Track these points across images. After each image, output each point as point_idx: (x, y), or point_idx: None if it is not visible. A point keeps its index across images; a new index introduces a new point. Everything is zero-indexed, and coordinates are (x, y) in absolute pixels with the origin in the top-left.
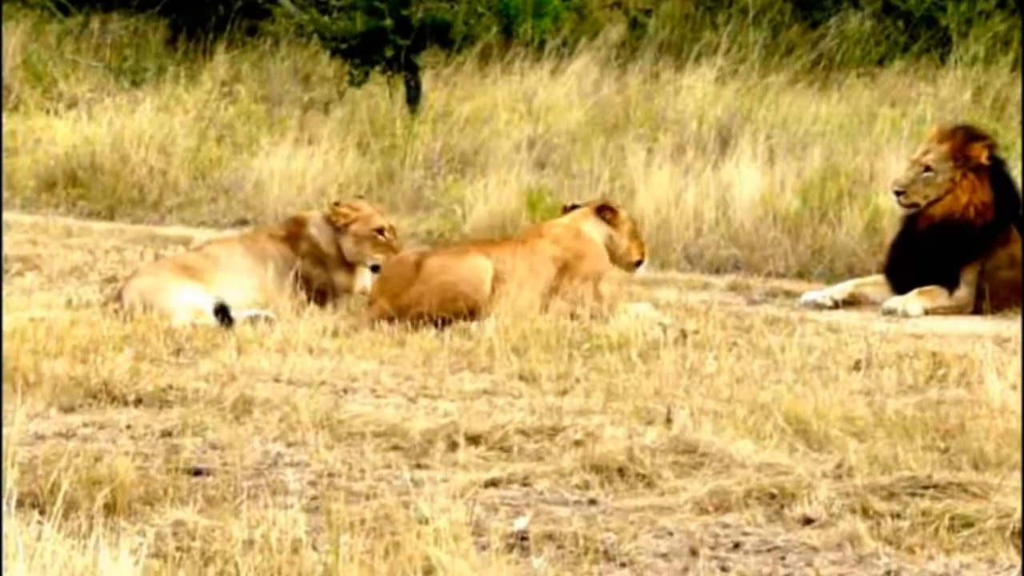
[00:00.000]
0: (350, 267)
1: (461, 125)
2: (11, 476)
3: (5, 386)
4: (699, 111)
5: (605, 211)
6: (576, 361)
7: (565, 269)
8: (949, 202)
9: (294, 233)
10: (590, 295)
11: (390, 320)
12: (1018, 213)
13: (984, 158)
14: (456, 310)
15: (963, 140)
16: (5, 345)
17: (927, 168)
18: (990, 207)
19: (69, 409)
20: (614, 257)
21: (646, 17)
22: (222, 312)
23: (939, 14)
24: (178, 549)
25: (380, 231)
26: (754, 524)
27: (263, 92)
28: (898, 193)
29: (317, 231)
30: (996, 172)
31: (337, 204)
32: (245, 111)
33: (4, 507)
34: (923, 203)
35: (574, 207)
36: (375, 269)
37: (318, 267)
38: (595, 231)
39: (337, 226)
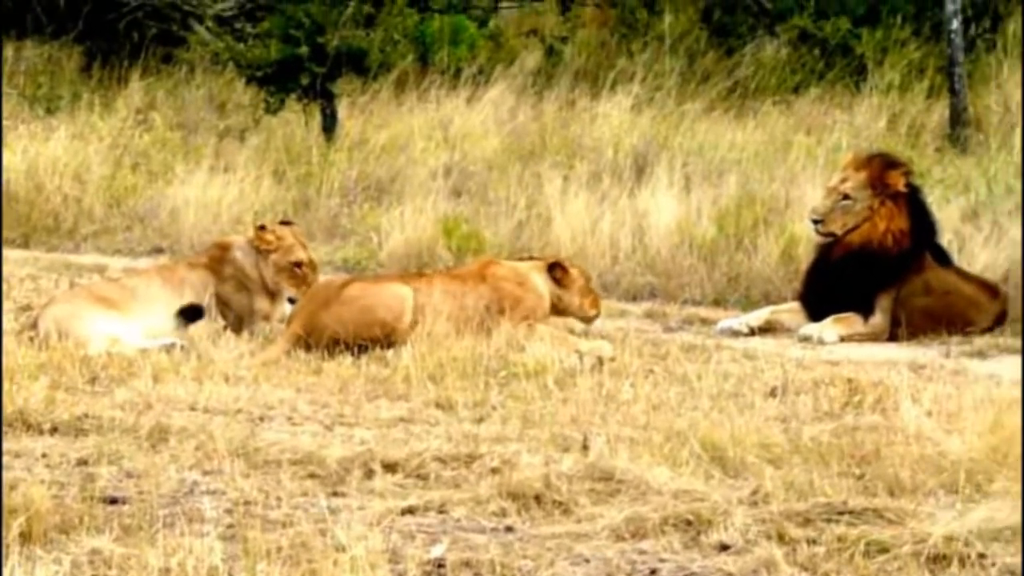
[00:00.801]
0: (273, 293)
1: (377, 153)
2: None
3: None
4: (615, 139)
5: (556, 269)
6: (492, 389)
7: (500, 311)
8: (867, 230)
9: (217, 258)
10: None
11: (307, 347)
12: (933, 240)
13: (902, 185)
14: (373, 336)
15: (881, 168)
16: None
17: (845, 196)
18: (907, 234)
19: None
20: (565, 313)
21: (562, 45)
22: (189, 313)
23: (854, 42)
24: None
25: (298, 264)
26: (671, 551)
27: (178, 120)
28: (816, 222)
29: (242, 255)
30: (912, 199)
31: (263, 228)
32: (160, 139)
33: None
34: (840, 232)
35: (531, 258)
36: (292, 301)
37: (241, 292)
38: (542, 283)
39: (259, 251)
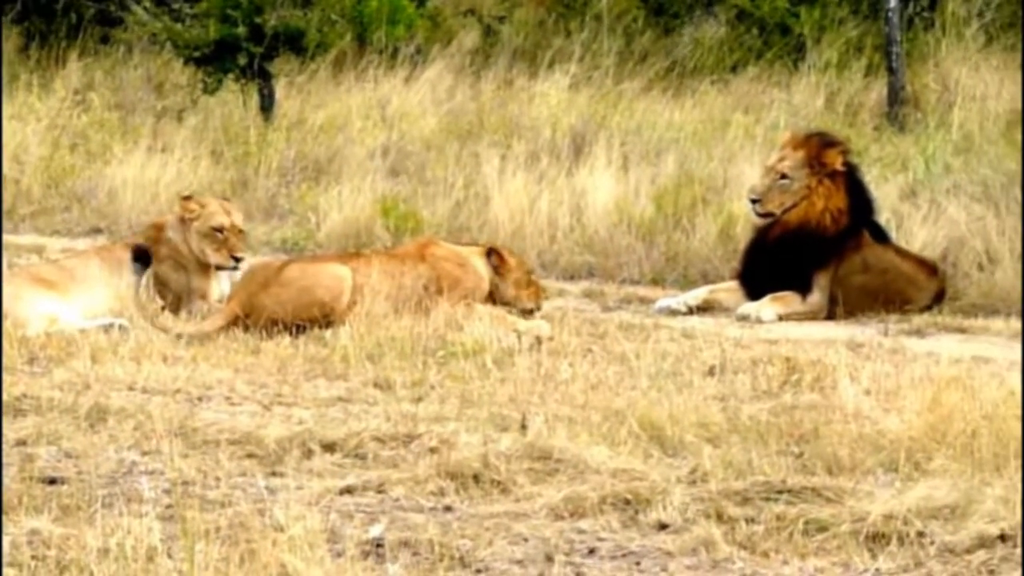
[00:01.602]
0: (207, 270)
1: (315, 133)
2: None
3: None
4: (553, 118)
5: (493, 255)
6: (431, 368)
7: (438, 291)
8: (805, 208)
9: (153, 238)
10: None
11: (244, 328)
12: (870, 217)
13: (839, 164)
14: (311, 317)
15: (818, 147)
16: None
17: (783, 176)
18: (844, 213)
19: None
20: (502, 302)
21: (500, 24)
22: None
23: (792, 21)
24: (33, 558)
25: (219, 229)
26: (609, 530)
27: (116, 100)
28: (754, 201)
29: (173, 233)
30: (850, 178)
31: (188, 198)
32: (98, 119)
33: None
34: (779, 211)
35: (472, 243)
36: (219, 269)
37: (178, 271)
38: (482, 266)
39: (183, 221)
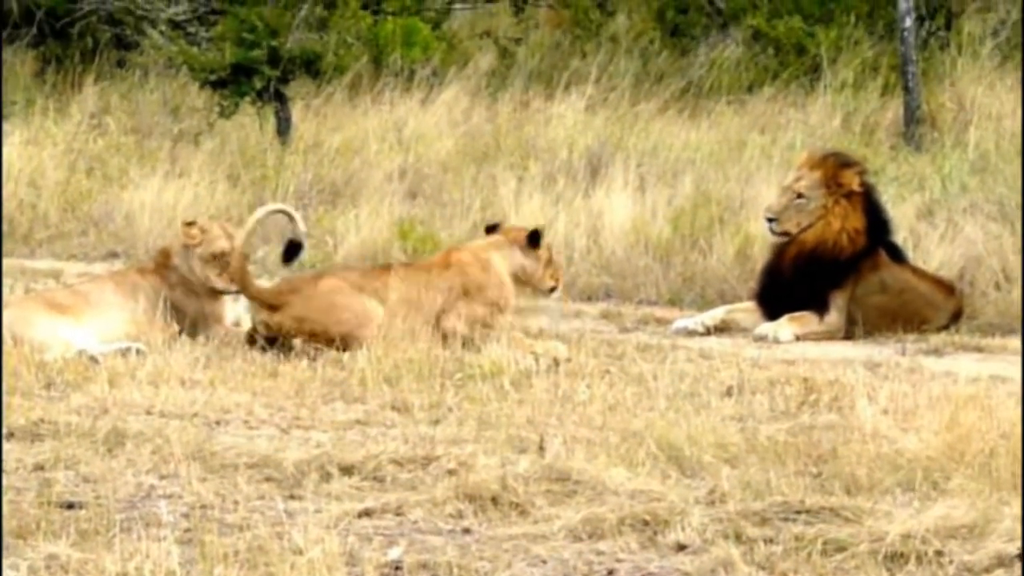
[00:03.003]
0: (217, 294)
1: (332, 156)
2: None
3: None
4: (569, 139)
5: (536, 237)
6: (448, 390)
7: (464, 295)
8: (821, 229)
9: (162, 264)
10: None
11: (269, 341)
12: (887, 237)
13: (856, 185)
14: (330, 339)
15: (835, 167)
16: None
17: (799, 195)
18: (861, 233)
19: None
20: (527, 284)
21: (516, 46)
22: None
23: (808, 41)
24: None
25: (221, 254)
26: (628, 551)
27: (132, 124)
28: (770, 220)
29: (180, 259)
30: (867, 198)
31: (191, 224)
32: (115, 143)
33: None
34: (795, 231)
35: (495, 227)
36: (223, 294)
37: (190, 296)
38: (503, 261)
39: (187, 247)
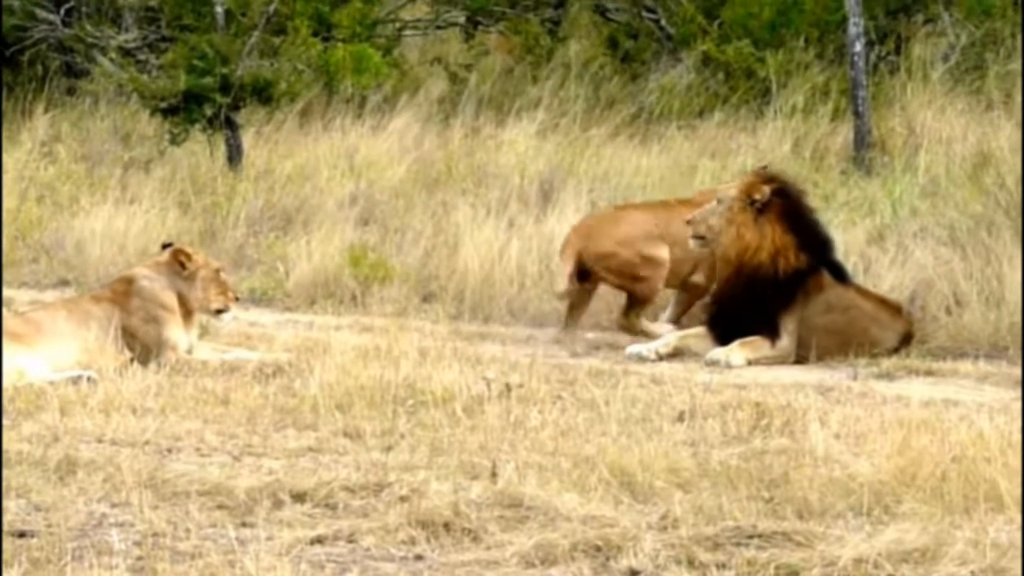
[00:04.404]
0: (183, 319)
1: (283, 182)
2: None
3: None
4: (521, 165)
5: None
6: (400, 417)
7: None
8: (734, 240)
9: (122, 291)
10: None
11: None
12: (830, 258)
13: (758, 195)
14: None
15: (754, 179)
16: None
17: (718, 201)
18: (792, 251)
19: None
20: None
21: (467, 72)
22: None
23: (758, 66)
24: None
25: (219, 271)
26: None
27: (83, 152)
28: (689, 223)
29: (149, 283)
30: (795, 217)
31: (183, 252)
32: (65, 171)
33: None
34: (708, 235)
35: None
36: (220, 312)
37: (149, 323)
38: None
39: (184, 273)
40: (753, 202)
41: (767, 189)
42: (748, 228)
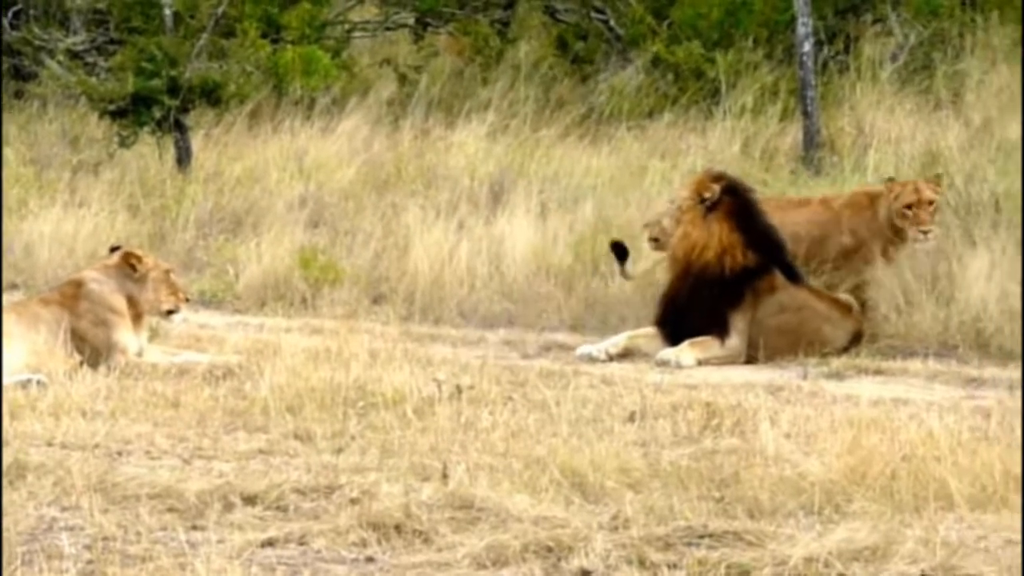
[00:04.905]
0: (132, 322)
1: (232, 185)
2: None
3: None
4: (471, 167)
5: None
6: (351, 419)
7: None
8: (681, 238)
9: (71, 294)
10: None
11: None
12: (782, 258)
13: (708, 193)
14: None
15: (705, 179)
16: None
17: (671, 202)
18: (740, 249)
19: None
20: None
21: (416, 74)
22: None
23: (707, 66)
24: None
25: (168, 274)
26: None
27: (31, 155)
28: (645, 226)
29: (99, 287)
30: (744, 216)
31: (134, 255)
32: (13, 174)
33: None
34: (661, 237)
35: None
36: (171, 313)
37: (98, 326)
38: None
39: (135, 275)
40: (703, 200)
41: (716, 187)
42: (696, 227)
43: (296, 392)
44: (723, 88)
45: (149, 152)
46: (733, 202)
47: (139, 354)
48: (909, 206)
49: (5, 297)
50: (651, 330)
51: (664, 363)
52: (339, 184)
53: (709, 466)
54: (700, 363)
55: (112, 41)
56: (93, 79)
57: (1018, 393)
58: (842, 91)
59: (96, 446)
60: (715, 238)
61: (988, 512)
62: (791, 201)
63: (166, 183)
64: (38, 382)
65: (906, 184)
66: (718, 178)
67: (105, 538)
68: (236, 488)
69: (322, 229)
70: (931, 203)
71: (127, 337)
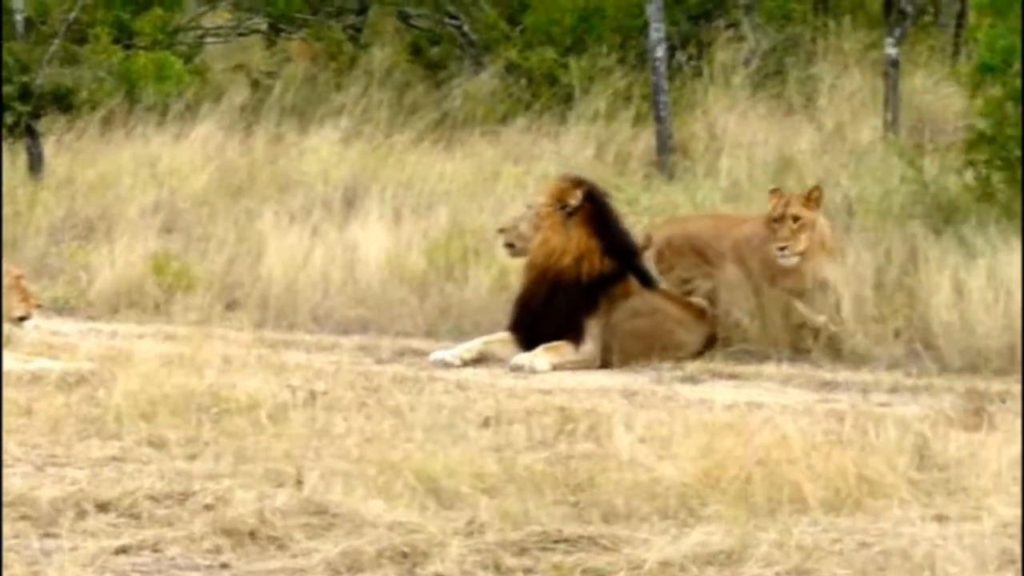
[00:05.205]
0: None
1: (85, 191)
2: None
3: None
4: (324, 172)
5: None
6: (205, 425)
7: None
8: (540, 244)
9: None
10: None
11: None
12: (635, 263)
13: (572, 199)
14: None
15: (563, 183)
16: None
17: (528, 207)
18: (597, 255)
19: None
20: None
21: (269, 79)
22: None
23: (560, 72)
24: None
25: (19, 278)
26: None
27: None
28: (501, 231)
29: None
30: (601, 221)
31: None
32: None
33: None
34: (518, 243)
35: None
36: (22, 320)
37: None
38: None
39: None
40: (564, 207)
41: (579, 193)
42: (556, 233)
43: (149, 399)
44: (576, 93)
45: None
46: (591, 208)
47: None
48: (775, 220)
49: None
50: (505, 335)
51: (519, 368)
52: (192, 190)
53: (564, 471)
54: (555, 368)
55: None
56: None
57: (872, 396)
58: (695, 96)
59: None
60: (574, 244)
61: (842, 515)
62: (731, 219)
63: (18, 190)
64: None
65: (781, 196)
66: (579, 184)
67: None
68: (89, 495)
69: (175, 235)
70: (797, 219)
71: None
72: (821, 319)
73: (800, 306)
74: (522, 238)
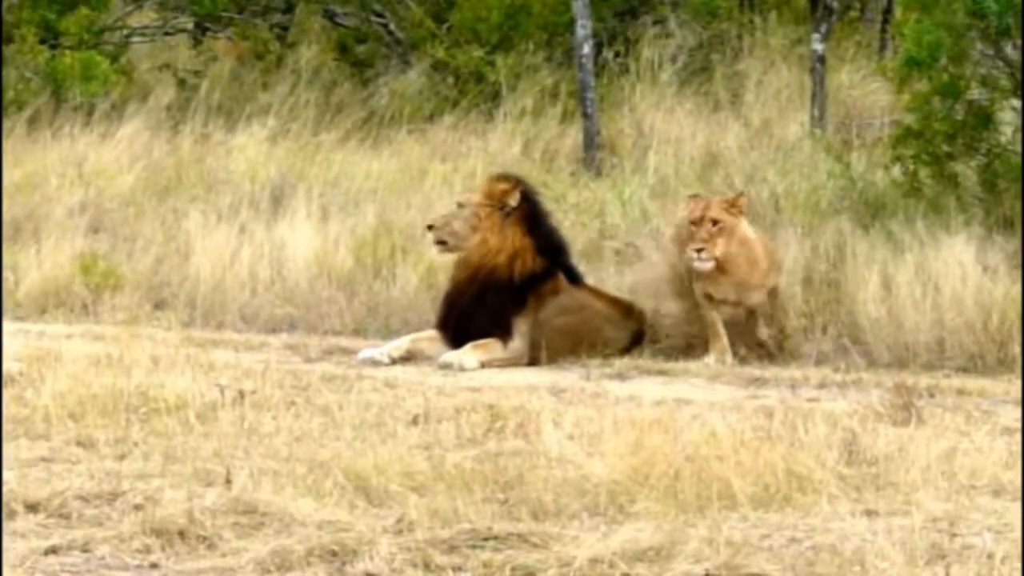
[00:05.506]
0: None
1: (11, 191)
2: None
3: None
4: (251, 171)
5: None
6: (134, 425)
7: None
8: (479, 243)
9: None
10: None
11: None
12: (564, 260)
13: (512, 200)
14: None
15: (496, 182)
16: None
17: (460, 205)
18: (531, 254)
19: None
20: None
21: (196, 78)
22: None
23: (487, 69)
24: None
25: None
26: None
27: None
28: (429, 228)
29: None
30: (535, 220)
31: None
32: None
33: None
34: (451, 241)
35: None
36: None
37: None
38: None
39: None
40: (503, 207)
41: (519, 194)
42: (494, 233)
43: (78, 399)
44: (503, 91)
45: None
46: (525, 207)
47: None
48: (693, 222)
49: None
50: (433, 333)
51: (447, 366)
52: (119, 190)
53: (493, 468)
54: (483, 365)
55: None
56: None
57: (801, 392)
58: (622, 93)
59: None
60: (509, 243)
61: (771, 511)
62: None
63: None
64: None
65: (700, 200)
66: (516, 183)
67: None
68: (18, 496)
69: (102, 235)
70: (716, 222)
71: None
72: (767, 332)
73: (762, 323)
74: (456, 236)
